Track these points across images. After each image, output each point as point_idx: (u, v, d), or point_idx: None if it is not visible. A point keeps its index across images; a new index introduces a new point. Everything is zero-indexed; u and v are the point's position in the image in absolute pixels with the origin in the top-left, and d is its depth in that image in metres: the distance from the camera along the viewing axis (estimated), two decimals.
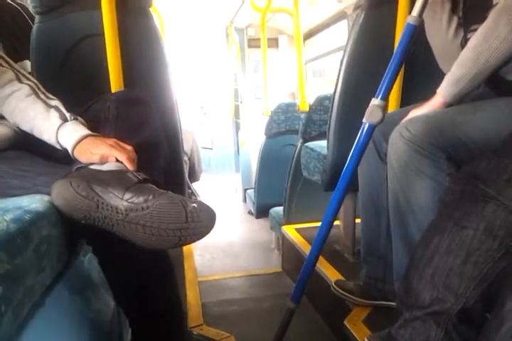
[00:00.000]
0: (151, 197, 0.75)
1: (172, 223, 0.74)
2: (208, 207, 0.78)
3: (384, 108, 1.01)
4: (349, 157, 1.09)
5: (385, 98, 1.01)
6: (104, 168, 0.83)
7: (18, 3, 1.77)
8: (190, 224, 0.75)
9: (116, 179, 0.78)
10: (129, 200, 0.74)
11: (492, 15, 0.97)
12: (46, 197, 0.77)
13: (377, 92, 1.02)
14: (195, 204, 0.75)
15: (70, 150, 0.87)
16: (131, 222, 0.74)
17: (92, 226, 0.77)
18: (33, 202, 0.73)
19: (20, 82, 0.95)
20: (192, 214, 0.74)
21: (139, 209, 0.73)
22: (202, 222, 0.76)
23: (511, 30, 0.94)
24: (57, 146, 0.90)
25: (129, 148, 0.86)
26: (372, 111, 1.02)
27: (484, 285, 0.79)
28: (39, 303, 0.70)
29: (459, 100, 1.07)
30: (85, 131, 0.90)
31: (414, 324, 0.86)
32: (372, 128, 1.04)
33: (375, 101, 1.02)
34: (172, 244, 0.77)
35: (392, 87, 1.02)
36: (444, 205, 0.88)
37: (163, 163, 1.03)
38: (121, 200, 0.74)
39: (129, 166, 0.83)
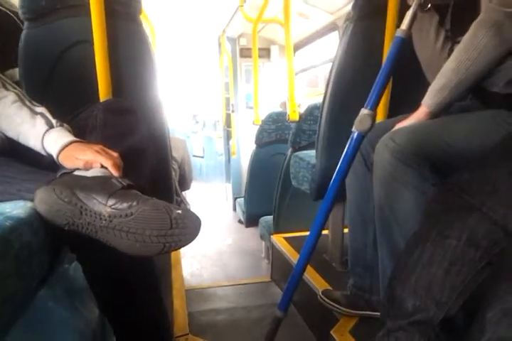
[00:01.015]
0: (135, 203, 0.74)
1: (156, 229, 0.73)
2: (193, 213, 0.77)
3: (373, 117, 1.03)
4: (338, 166, 1.10)
5: (374, 108, 1.03)
6: (89, 174, 0.82)
7: (10, 10, 1.76)
8: (175, 230, 0.74)
9: (100, 185, 0.77)
10: (113, 206, 0.74)
11: (472, 27, 1.00)
12: (29, 204, 0.77)
13: (367, 102, 1.04)
14: (179, 211, 0.75)
15: (55, 156, 0.87)
16: (114, 229, 0.73)
17: (76, 232, 0.76)
18: (16, 208, 0.73)
19: (6, 89, 0.96)
20: (177, 221, 0.74)
21: (122, 216, 0.73)
22: (187, 228, 0.75)
23: (488, 42, 0.97)
24: (43, 152, 0.89)
25: (114, 154, 0.86)
26: (362, 119, 1.04)
27: (466, 295, 0.79)
28: (20, 310, 0.70)
29: (442, 110, 1.09)
30: (71, 138, 0.89)
31: (397, 334, 0.85)
32: (361, 136, 1.05)
33: (365, 111, 1.03)
34: (157, 250, 0.76)
35: (381, 97, 1.03)
36: (427, 215, 0.88)
37: (149, 170, 1.03)
38: (104, 206, 0.74)
39: (114, 172, 0.83)
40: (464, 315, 0.81)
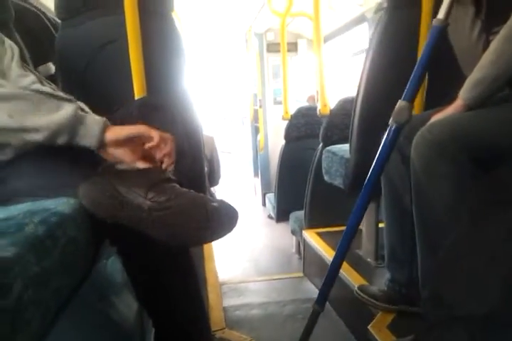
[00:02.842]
0: (173, 196, 0.76)
1: (194, 222, 0.75)
2: (229, 205, 0.79)
3: (410, 109, 1.00)
4: (375, 160, 1.08)
5: (412, 100, 1.00)
6: (129, 167, 0.83)
7: (37, 8, 1.81)
8: (212, 223, 0.76)
9: (140, 178, 0.79)
10: (152, 199, 0.75)
11: None
12: (72, 200, 0.78)
13: (404, 94, 1.01)
14: (215, 204, 0.76)
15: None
16: (154, 221, 0.75)
17: (117, 225, 0.78)
18: (59, 205, 0.74)
19: (43, 85, 0.98)
20: (213, 213, 0.75)
21: (161, 209, 0.74)
22: (223, 220, 0.77)
23: None
24: None
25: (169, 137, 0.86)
26: (399, 111, 1.01)
27: (510, 289, 0.77)
28: (65, 306, 0.71)
29: (480, 103, 1.06)
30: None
31: (440, 329, 0.84)
32: (398, 129, 1.03)
33: (402, 103, 1.01)
34: (195, 241, 0.80)
35: (418, 89, 1.01)
36: (469, 211, 0.87)
37: (184, 167, 1.03)
38: (144, 199, 0.75)
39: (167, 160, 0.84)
40: (509, 310, 0.79)
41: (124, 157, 0.83)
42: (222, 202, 0.79)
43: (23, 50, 1.35)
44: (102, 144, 0.80)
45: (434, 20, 0.99)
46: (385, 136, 1.06)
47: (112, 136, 0.80)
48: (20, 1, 1.72)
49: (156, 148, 0.85)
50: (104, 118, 0.81)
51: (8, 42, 1.02)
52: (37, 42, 1.64)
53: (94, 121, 0.80)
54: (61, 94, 0.88)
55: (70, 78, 1.32)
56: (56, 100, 0.80)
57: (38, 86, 0.97)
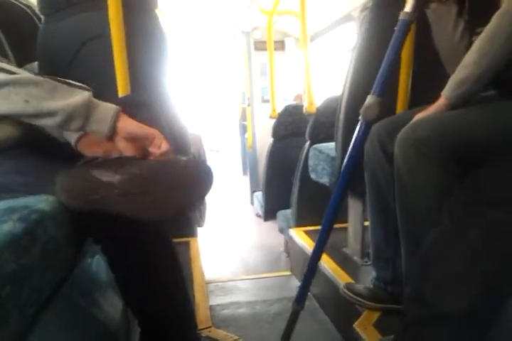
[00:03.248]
0: (143, 166, 0.75)
1: (165, 184, 0.73)
2: (199, 162, 0.79)
3: (380, 104, 0.99)
4: (346, 157, 1.08)
5: (381, 94, 0.99)
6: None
7: (25, 5, 1.78)
8: (184, 180, 0.74)
9: (115, 160, 0.79)
10: (123, 174, 0.74)
11: (495, 18, 0.97)
12: (52, 197, 0.77)
13: (373, 89, 1.00)
14: (185, 158, 0.75)
15: (74, 141, 0.88)
16: (128, 195, 0.73)
17: (98, 219, 0.77)
18: (40, 202, 0.73)
19: None
20: (185, 172, 0.74)
21: (132, 179, 0.73)
22: (196, 177, 0.76)
23: None
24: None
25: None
26: (368, 107, 1.00)
27: (489, 287, 0.79)
28: (46, 304, 0.70)
29: (463, 102, 1.06)
30: None
31: (420, 326, 0.85)
32: (368, 126, 1.02)
33: (371, 98, 1.00)
34: (177, 206, 0.76)
35: (387, 83, 1.00)
36: (449, 210, 0.88)
37: None
38: (113, 175, 0.74)
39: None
40: (488, 307, 0.80)
41: (125, 151, 0.81)
42: (191, 159, 0.77)
43: (4, 46, 1.33)
44: (114, 132, 0.79)
45: (401, 13, 0.99)
46: (355, 133, 1.06)
47: (123, 125, 0.79)
48: None
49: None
50: (118, 107, 0.81)
51: None
52: (23, 40, 1.62)
53: (107, 107, 0.80)
54: (74, 82, 0.89)
55: (52, 73, 1.30)
56: (70, 87, 0.79)
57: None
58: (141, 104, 1.07)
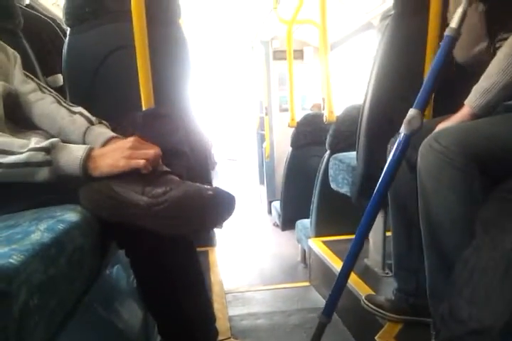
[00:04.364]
0: (168, 188, 0.76)
1: (191, 212, 0.76)
2: (225, 192, 0.80)
3: (422, 118, 0.99)
4: (385, 168, 1.06)
5: (423, 108, 0.99)
6: None
7: (49, 17, 1.82)
8: (209, 210, 0.77)
9: (135, 175, 0.79)
10: (149, 195, 0.76)
11: None
12: (78, 207, 0.78)
13: (416, 103, 1.00)
14: (211, 192, 0.77)
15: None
16: (153, 216, 0.75)
17: (122, 225, 0.78)
18: (66, 212, 0.74)
19: (43, 92, 1.02)
20: (209, 201, 0.77)
21: (159, 203, 0.75)
22: (220, 207, 0.79)
23: None
24: None
25: (150, 151, 0.83)
26: (411, 120, 1.00)
27: None
28: (70, 314, 0.70)
29: (487, 111, 1.05)
30: (111, 133, 0.94)
31: None
32: (409, 137, 1.01)
33: (413, 112, 1.00)
34: (196, 230, 0.81)
35: (430, 98, 1.00)
36: (482, 223, 0.86)
37: (186, 172, 1.03)
38: (141, 196, 0.76)
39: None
40: None
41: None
42: (217, 188, 0.79)
43: (31, 58, 1.35)
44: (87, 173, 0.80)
45: (447, 29, 0.98)
46: (395, 145, 1.04)
47: (95, 166, 0.80)
48: (29, 8, 1.74)
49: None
50: (88, 146, 0.82)
51: (10, 50, 1.04)
52: (46, 52, 1.65)
53: (75, 149, 0.81)
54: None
55: (77, 85, 1.32)
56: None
57: (38, 94, 0.99)
58: (162, 116, 1.08)
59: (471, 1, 1.00)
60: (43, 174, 0.77)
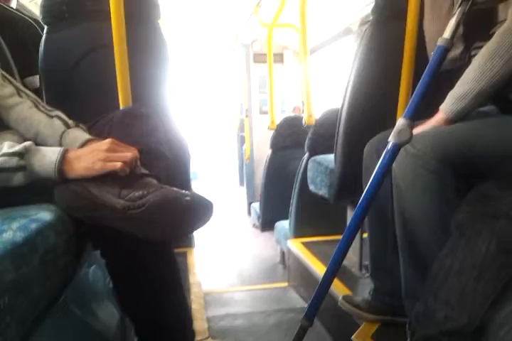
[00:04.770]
0: (145, 192, 0.75)
1: (168, 217, 0.75)
2: (202, 198, 0.79)
3: (412, 127, 0.98)
4: (372, 176, 1.04)
5: (413, 117, 0.98)
6: None
7: (31, 18, 1.79)
8: (186, 216, 0.77)
9: (113, 177, 0.78)
10: (126, 198, 0.75)
11: (496, 36, 0.98)
12: (52, 206, 0.77)
13: (405, 111, 0.99)
14: (188, 197, 0.77)
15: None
16: (129, 219, 0.75)
17: (97, 225, 0.78)
18: (39, 211, 0.73)
19: (20, 96, 1.00)
20: (187, 207, 0.76)
21: (135, 207, 0.74)
22: (197, 213, 0.79)
23: None
24: None
25: (127, 154, 0.82)
26: (401, 130, 0.99)
27: (499, 302, 0.78)
28: (44, 314, 0.69)
29: (462, 117, 1.06)
30: (87, 136, 0.92)
31: None
32: (398, 147, 1.00)
33: (403, 121, 0.99)
34: (172, 235, 0.82)
35: (419, 107, 0.99)
36: (456, 225, 0.87)
37: (165, 169, 1.03)
38: (117, 199, 0.75)
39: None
40: (498, 324, 0.79)
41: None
42: (195, 195, 0.79)
43: (9, 59, 1.33)
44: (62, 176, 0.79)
45: (440, 39, 0.97)
46: (383, 154, 1.04)
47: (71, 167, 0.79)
48: (9, 8, 1.71)
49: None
50: (62, 149, 0.81)
51: None
52: (25, 53, 1.62)
53: (50, 152, 0.80)
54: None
55: (54, 84, 1.30)
56: None
57: (16, 98, 0.98)
58: (140, 116, 1.07)
59: (464, 12, 1.00)
60: (18, 179, 0.76)
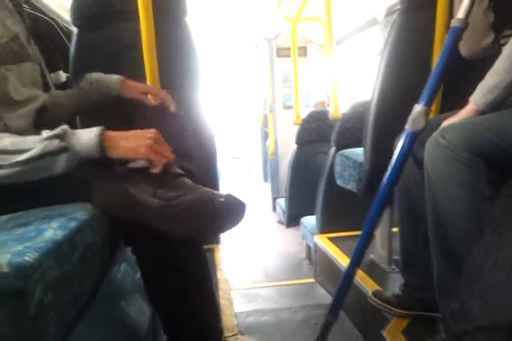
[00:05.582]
0: (181, 193, 0.78)
1: (202, 217, 0.77)
2: (236, 199, 0.81)
3: (427, 114, 0.97)
4: (391, 165, 1.05)
5: (429, 103, 0.97)
6: (139, 164, 0.83)
7: (50, 17, 1.84)
8: (220, 217, 0.79)
9: (149, 176, 0.80)
10: (161, 197, 0.77)
11: None
12: (88, 205, 0.78)
13: (421, 97, 0.98)
14: (222, 198, 0.78)
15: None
16: (164, 218, 0.76)
17: (131, 223, 0.79)
18: (76, 210, 0.74)
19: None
20: (220, 208, 0.78)
21: (171, 206, 0.76)
22: (231, 214, 0.81)
23: None
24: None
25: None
26: (415, 117, 0.98)
27: None
28: (83, 310, 0.71)
29: (493, 108, 1.04)
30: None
31: (463, 338, 0.82)
32: (415, 135, 1.00)
33: (418, 107, 0.98)
34: (205, 235, 0.87)
35: (436, 92, 0.98)
36: (491, 220, 0.85)
37: (195, 172, 1.03)
38: (153, 198, 0.77)
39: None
40: None
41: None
42: (229, 196, 0.80)
43: (41, 60, 1.36)
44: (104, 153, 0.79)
45: (453, 20, 0.96)
46: (401, 142, 1.04)
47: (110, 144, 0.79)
48: (31, 9, 1.74)
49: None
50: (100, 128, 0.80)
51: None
52: (48, 51, 1.66)
53: (87, 132, 0.79)
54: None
55: None
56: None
57: None
58: (170, 114, 1.08)
59: None
60: (61, 164, 0.75)
